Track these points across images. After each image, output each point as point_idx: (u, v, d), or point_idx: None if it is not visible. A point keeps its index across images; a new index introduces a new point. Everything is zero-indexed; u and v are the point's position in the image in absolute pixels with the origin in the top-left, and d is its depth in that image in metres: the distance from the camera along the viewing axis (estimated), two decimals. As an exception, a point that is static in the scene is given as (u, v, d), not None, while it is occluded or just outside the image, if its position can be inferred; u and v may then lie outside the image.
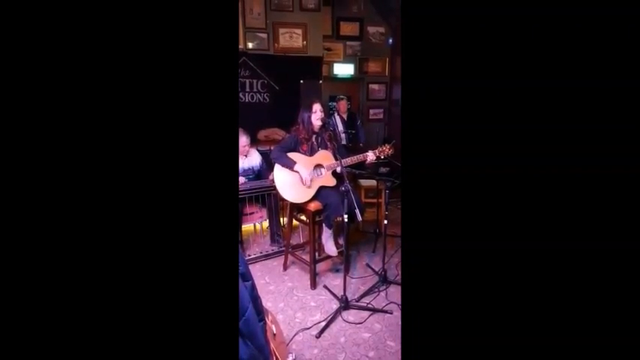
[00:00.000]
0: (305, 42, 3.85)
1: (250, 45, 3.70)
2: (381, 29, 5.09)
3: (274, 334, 1.54)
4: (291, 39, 3.82)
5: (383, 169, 3.10)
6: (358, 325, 1.92)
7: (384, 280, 2.30)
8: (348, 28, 4.94)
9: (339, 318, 1.98)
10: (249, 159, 2.86)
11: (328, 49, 4.77)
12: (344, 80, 5.16)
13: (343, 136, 4.06)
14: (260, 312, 1.32)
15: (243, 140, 2.71)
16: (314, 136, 2.33)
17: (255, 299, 1.31)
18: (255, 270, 2.57)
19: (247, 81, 3.69)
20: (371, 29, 5.04)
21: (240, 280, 1.21)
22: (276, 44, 3.77)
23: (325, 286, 2.30)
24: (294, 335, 1.84)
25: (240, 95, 3.69)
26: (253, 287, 1.33)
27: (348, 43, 5.01)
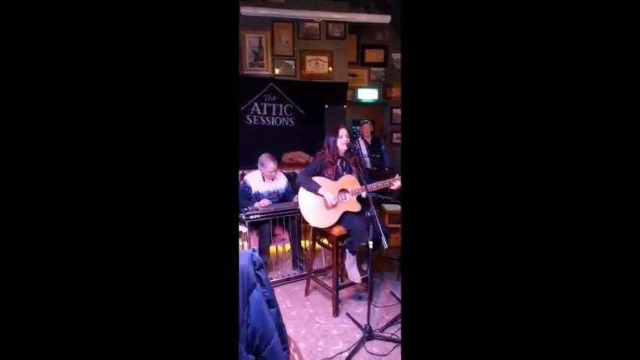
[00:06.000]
0: (331, 68, 3.95)
1: (277, 71, 3.83)
2: (406, 55, 5.15)
3: (297, 364, 1.50)
4: (317, 65, 3.93)
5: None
6: (382, 358, 1.85)
7: (410, 310, 2.22)
8: (372, 55, 5.04)
9: (363, 349, 1.91)
10: (275, 182, 2.89)
11: (353, 75, 4.86)
12: (367, 105, 5.21)
13: (367, 160, 4.05)
14: (284, 340, 1.30)
15: (271, 165, 2.76)
16: (339, 161, 2.34)
17: (280, 327, 1.29)
18: (277, 294, 2.53)
19: (274, 105, 3.80)
20: (395, 56, 5.11)
21: (266, 307, 1.20)
22: (302, 70, 3.89)
23: (348, 314, 2.24)
24: (316, 365, 1.79)
25: (267, 119, 3.80)
26: (278, 314, 1.32)
27: (373, 69, 5.09)
